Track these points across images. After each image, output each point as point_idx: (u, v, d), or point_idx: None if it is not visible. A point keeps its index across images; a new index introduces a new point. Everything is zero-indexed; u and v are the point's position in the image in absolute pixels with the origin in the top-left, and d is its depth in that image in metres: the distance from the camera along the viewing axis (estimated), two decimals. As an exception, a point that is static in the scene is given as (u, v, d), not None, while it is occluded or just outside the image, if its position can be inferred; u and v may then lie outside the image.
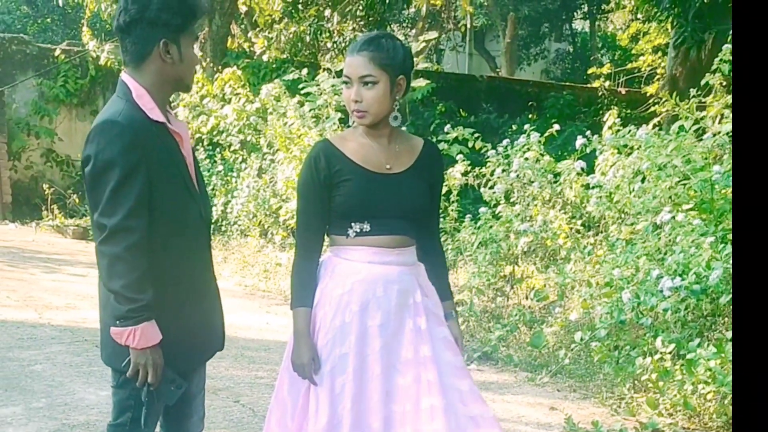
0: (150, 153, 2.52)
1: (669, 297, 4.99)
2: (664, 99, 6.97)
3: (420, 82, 8.99)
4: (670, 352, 4.90)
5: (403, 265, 2.87)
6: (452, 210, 7.20)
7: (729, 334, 4.82)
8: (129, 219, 2.49)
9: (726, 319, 5.23)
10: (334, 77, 8.69)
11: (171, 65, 2.60)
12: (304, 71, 9.04)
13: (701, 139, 6.04)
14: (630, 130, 6.65)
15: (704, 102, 6.47)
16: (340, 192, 2.79)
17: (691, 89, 6.46)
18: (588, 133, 6.95)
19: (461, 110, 13.67)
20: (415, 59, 8.45)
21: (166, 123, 2.61)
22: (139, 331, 2.52)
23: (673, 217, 5.49)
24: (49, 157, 12.29)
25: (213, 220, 9.35)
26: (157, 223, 2.56)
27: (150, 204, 2.54)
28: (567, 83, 19.82)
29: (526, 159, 6.80)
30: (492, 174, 6.88)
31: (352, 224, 2.80)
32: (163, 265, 2.59)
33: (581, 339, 5.36)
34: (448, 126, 7.58)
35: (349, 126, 2.94)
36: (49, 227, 10.67)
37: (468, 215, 6.97)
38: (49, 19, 22.25)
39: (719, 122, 6.18)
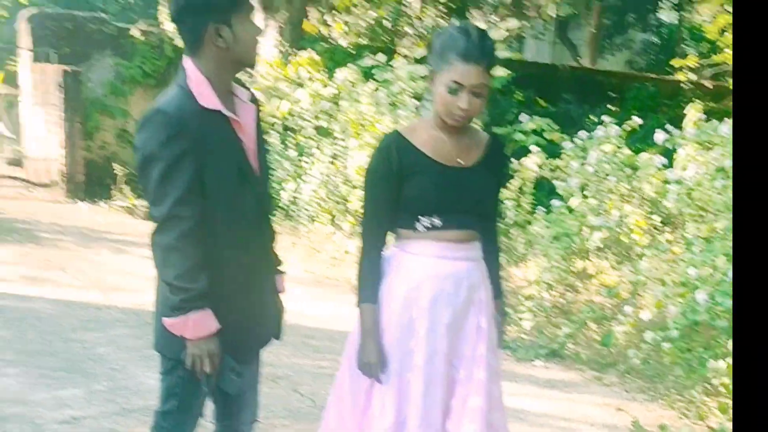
0: (200, 141, 2.49)
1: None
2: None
3: (498, 72, 8.85)
4: (745, 356, 4.74)
5: (472, 260, 2.86)
6: (525, 202, 7.05)
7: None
8: (178, 207, 2.48)
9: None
10: (411, 63, 8.62)
11: (225, 49, 2.55)
12: (381, 57, 8.97)
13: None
14: (713, 125, 6.44)
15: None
16: (411, 185, 2.75)
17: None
18: (668, 126, 6.73)
19: (540, 100, 13.45)
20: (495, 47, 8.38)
21: (222, 110, 2.55)
22: (191, 321, 2.52)
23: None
24: (123, 138, 12.37)
25: (283, 205, 9.41)
26: (211, 210, 2.55)
27: (202, 192, 2.52)
28: (651, 75, 19.35)
29: (605, 152, 6.62)
30: (567, 166, 6.72)
31: (422, 218, 2.77)
32: (217, 253, 2.58)
33: (652, 339, 5.24)
34: (524, 116, 7.45)
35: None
36: (120, 208, 10.80)
37: (541, 208, 6.82)
38: (129, -1, 22.58)
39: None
